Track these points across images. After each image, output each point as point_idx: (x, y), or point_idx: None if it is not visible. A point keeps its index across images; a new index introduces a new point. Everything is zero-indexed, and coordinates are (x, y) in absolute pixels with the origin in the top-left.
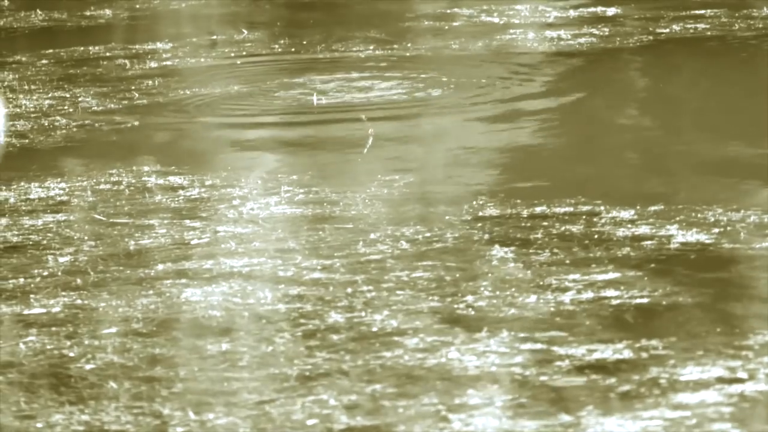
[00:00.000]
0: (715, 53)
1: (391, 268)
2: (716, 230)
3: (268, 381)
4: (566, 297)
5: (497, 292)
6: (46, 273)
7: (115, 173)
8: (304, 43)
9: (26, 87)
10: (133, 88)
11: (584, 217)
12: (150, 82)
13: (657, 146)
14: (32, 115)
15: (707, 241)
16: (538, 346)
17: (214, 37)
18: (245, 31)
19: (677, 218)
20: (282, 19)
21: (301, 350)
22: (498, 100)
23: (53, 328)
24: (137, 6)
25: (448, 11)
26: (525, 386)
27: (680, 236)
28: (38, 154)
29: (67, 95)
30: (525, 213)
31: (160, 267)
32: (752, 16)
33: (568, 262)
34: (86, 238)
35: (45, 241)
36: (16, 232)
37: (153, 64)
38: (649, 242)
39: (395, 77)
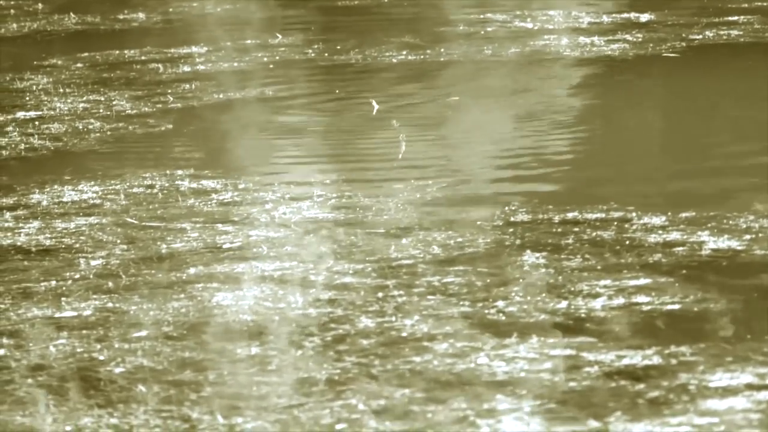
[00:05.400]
0: (748, 59)
1: (423, 273)
2: (748, 237)
3: (298, 385)
4: (597, 303)
5: (528, 298)
6: (77, 276)
7: (148, 177)
8: (338, 47)
9: (61, 90)
10: (168, 91)
11: (616, 223)
12: (185, 86)
13: (689, 153)
14: (66, 118)
15: (738, 248)
16: (568, 351)
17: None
18: (279, 36)
19: (709, 225)
20: (316, 24)
21: (330, 354)
22: (530, 106)
23: (84, 331)
24: (170, 10)
25: (482, 16)
26: (554, 392)
27: (711, 243)
28: (72, 157)
29: (102, 98)
30: (556, 218)
31: (192, 270)
32: None
33: (599, 267)
34: (118, 241)
35: (77, 244)
36: (49, 235)
37: (187, 68)
38: (680, 248)
39: (428, 82)
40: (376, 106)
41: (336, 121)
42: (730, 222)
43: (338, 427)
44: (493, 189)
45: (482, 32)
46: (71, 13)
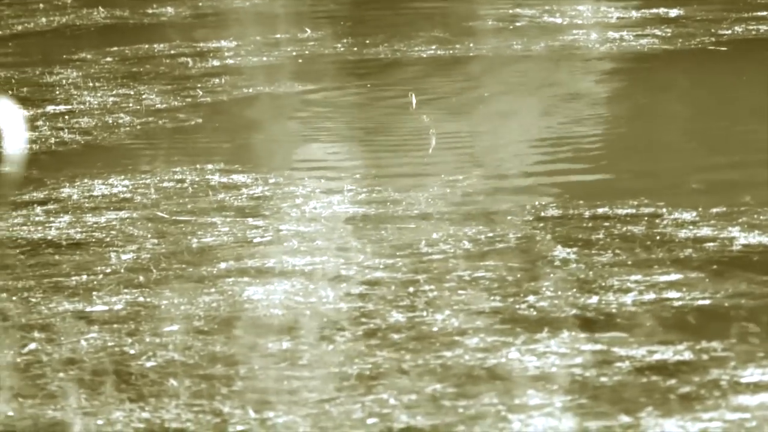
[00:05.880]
0: None
1: (453, 267)
2: None
3: (329, 380)
4: (628, 298)
5: (559, 293)
6: (108, 270)
7: (178, 171)
8: (367, 42)
9: (90, 84)
10: (198, 86)
11: (646, 218)
12: (214, 80)
13: (720, 147)
14: (96, 113)
15: None
16: (599, 347)
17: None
18: (308, 30)
19: (739, 220)
20: (346, 18)
21: (361, 349)
22: (560, 101)
23: (115, 325)
24: (200, 3)
25: (511, 11)
26: (585, 387)
27: (742, 238)
28: (102, 151)
29: (131, 92)
30: (587, 213)
31: (223, 265)
32: None
33: (629, 263)
34: (149, 235)
35: (108, 239)
36: (80, 229)
37: (216, 62)
38: (711, 244)
39: (457, 76)
40: (415, 100)
41: (365, 115)
42: (761, 217)
43: (369, 421)
44: (523, 184)
45: (511, 27)
46: (100, 8)
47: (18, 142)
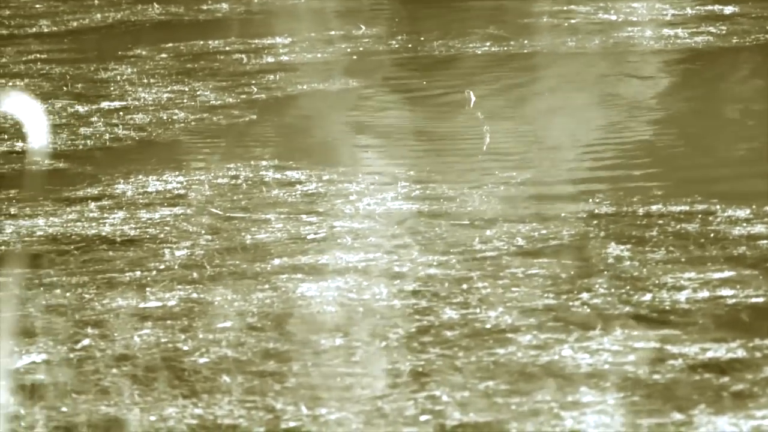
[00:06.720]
0: None
1: (507, 264)
2: None
3: (382, 376)
4: (681, 295)
5: (612, 290)
6: (162, 266)
7: (232, 167)
8: (422, 39)
9: (145, 80)
10: (252, 82)
11: (700, 215)
12: (269, 77)
13: None
14: (151, 109)
15: None
16: (652, 344)
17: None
18: (363, 27)
19: None
20: (400, 15)
21: (414, 346)
22: (614, 98)
23: (168, 322)
24: (255, 0)
25: (566, 8)
26: (638, 384)
27: None
28: (156, 147)
29: (186, 89)
30: (641, 211)
31: (276, 261)
32: None
33: (683, 260)
34: (203, 231)
35: (162, 235)
36: (134, 226)
37: (270, 59)
38: (764, 241)
39: (513, 74)
40: (473, 98)
41: (420, 113)
42: None
43: (422, 418)
44: (577, 181)
45: (566, 24)
46: (155, 4)
47: (44, 137)
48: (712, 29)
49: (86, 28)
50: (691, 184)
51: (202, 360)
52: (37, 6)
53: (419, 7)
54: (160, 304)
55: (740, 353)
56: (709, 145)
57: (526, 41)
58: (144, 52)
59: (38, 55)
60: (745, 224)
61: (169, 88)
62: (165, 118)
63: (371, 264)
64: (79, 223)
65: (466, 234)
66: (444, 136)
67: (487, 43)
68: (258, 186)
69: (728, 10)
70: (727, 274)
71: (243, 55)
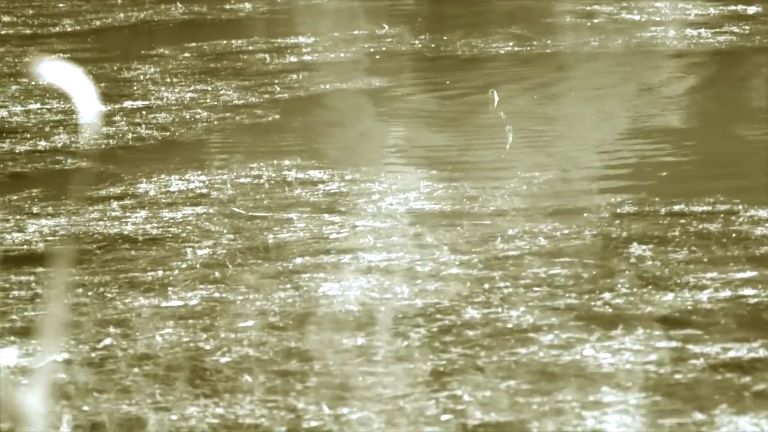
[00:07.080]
0: None
1: (529, 264)
2: None
3: (403, 376)
4: (703, 295)
5: (634, 290)
6: (184, 266)
7: (255, 167)
8: (445, 38)
9: (168, 80)
10: (275, 82)
11: (722, 215)
12: (292, 76)
13: None
14: (173, 108)
15: None
16: (674, 344)
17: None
18: (386, 26)
19: None
20: (423, 15)
21: (436, 345)
22: (636, 97)
23: (190, 321)
24: (278, 0)
25: (589, 8)
26: (659, 384)
27: None
28: (179, 146)
29: (209, 88)
30: (663, 211)
31: (299, 261)
32: None
33: (705, 260)
34: (225, 231)
35: (184, 234)
36: (156, 225)
37: (293, 59)
38: None
39: (535, 73)
40: (497, 98)
41: (442, 112)
42: None
43: (444, 418)
44: (599, 180)
45: (589, 24)
46: (178, 3)
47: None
48: (735, 29)
49: (109, 28)
50: (714, 184)
51: (223, 359)
52: (61, 5)
53: (442, 6)
54: (182, 303)
55: (762, 353)
56: (733, 144)
57: (549, 41)
58: (167, 52)
59: (61, 55)
60: (767, 224)
61: (192, 88)
62: (188, 117)
63: (393, 263)
64: (101, 223)
65: (488, 233)
66: (466, 136)
67: (510, 43)
68: (280, 185)
69: (752, 9)
70: (749, 274)
71: (266, 55)
